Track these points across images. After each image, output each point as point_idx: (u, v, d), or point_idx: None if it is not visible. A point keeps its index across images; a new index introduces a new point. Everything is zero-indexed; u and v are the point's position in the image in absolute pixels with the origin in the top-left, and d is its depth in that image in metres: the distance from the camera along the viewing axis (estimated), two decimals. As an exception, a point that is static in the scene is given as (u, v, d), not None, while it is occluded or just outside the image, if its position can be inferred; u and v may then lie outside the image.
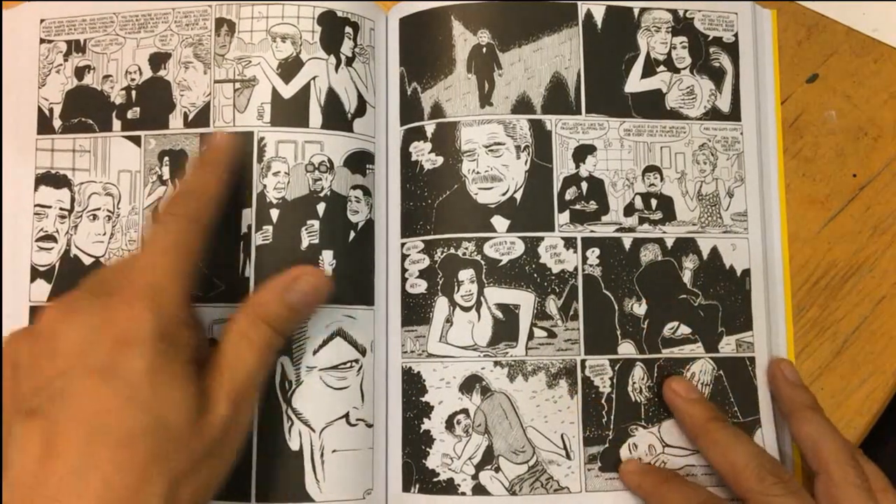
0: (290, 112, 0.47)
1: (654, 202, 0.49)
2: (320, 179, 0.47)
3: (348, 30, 0.49)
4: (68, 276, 0.48)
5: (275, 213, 0.47)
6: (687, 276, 0.48)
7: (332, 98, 0.48)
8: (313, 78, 0.48)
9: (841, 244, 0.50)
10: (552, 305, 0.47)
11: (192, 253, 0.41)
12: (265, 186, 0.47)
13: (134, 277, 0.39)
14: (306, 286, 0.43)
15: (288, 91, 0.47)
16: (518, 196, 0.48)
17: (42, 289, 0.48)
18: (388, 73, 0.50)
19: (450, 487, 0.46)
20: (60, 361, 0.36)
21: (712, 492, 0.44)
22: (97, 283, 0.40)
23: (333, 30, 0.48)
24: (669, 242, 0.48)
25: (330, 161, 0.47)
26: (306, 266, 0.45)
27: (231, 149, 0.45)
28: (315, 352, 0.46)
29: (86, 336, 0.37)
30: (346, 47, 0.48)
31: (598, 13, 0.49)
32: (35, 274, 0.48)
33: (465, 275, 0.47)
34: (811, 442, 0.44)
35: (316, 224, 0.47)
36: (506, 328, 0.47)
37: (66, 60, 0.50)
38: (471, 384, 0.46)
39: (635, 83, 0.49)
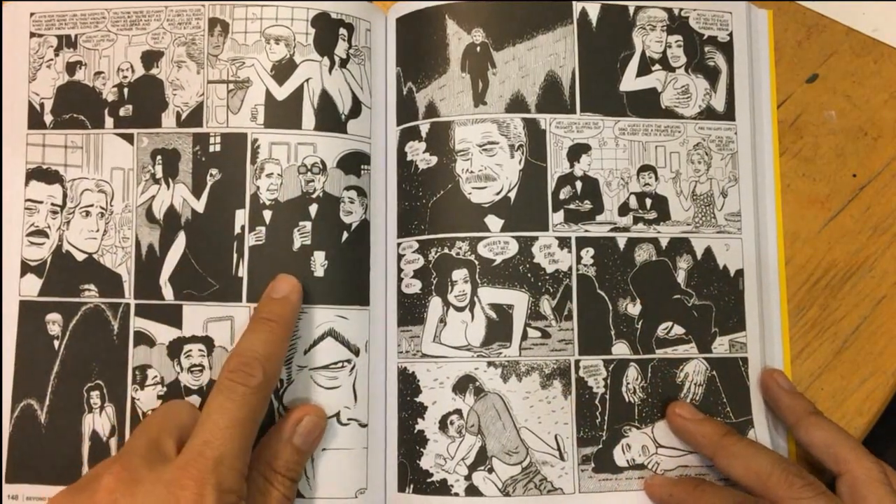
0: (283, 114, 0.51)
1: (648, 202, 0.52)
2: (313, 181, 0.51)
3: (343, 31, 0.53)
4: (59, 271, 0.52)
5: (268, 214, 0.51)
6: (681, 276, 0.52)
7: (326, 100, 0.52)
8: (307, 80, 0.52)
9: (841, 244, 0.54)
10: (546, 305, 0.51)
11: (257, 424, 0.44)
12: (258, 188, 0.51)
13: (199, 450, 0.41)
14: (309, 426, 0.48)
15: (281, 93, 0.51)
16: (512, 195, 0.51)
17: (33, 283, 0.52)
18: (386, 73, 0.54)
19: (443, 488, 0.50)
20: None
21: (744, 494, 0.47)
22: (152, 445, 0.43)
23: (327, 31, 0.52)
24: (664, 242, 0.52)
25: (322, 162, 0.51)
26: (305, 406, 0.49)
27: (299, 301, 0.49)
28: (306, 351, 0.50)
29: None
30: (341, 49, 0.52)
31: (593, 11, 0.53)
32: (25, 268, 0.52)
33: (459, 275, 0.51)
34: (825, 446, 0.47)
35: (308, 225, 0.51)
36: (499, 328, 0.51)
37: (56, 55, 0.53)
38: (464, 384, 0.50)
39: (630, 82, 0.53)
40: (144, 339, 0.51)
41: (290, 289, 0.49)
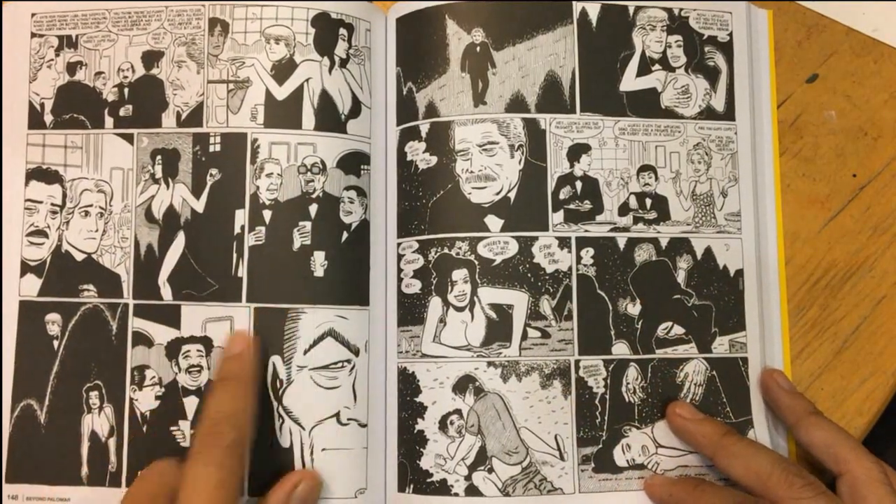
0: (283, 114, 0.52)
1: (648, 202, 0.53)
2: (313, 181, 0.51)
3: (343, 31, 0.53)
4: (59, 271, 0.52)
5: (267, 214, 0.51)
6: (681, 276, 0.52)
7: (326, 100, 0.52)
8: (307, 80, 0.52)
9: (841, 244, 0.54)
10: (546, 305, 0.51)
11: (239, 482, 0.45)
12: (258, 187, 0.51)
13: None
14: (305, 492, 0.48)
15: (281, 93, 0.52)
16: (512, 195, 0.52)
17: (32, 283, 0.52)
18: (386, 73, 0.54)
19: (443, 488, 0.50)
20: None
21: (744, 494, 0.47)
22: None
23: (327, 31, 0.53)
24: (664, 242, 0.53)
25: (322, 162, 0.52)
26: (299, 472, 0.49)
27: (255, 355, 0.49)
28: (306, 351, 0.50)
29: None
30: (341, 49, 0.53)
31: (593, 11, 0.54)
32: (25, 268, 0.52)
33: (459, 275, 0.51)
34: (825, 446, 0.48)
35: (308, 225, 0.51)
36: (499, 328, 0.51)
37: (57, 55, 0.54)
38: (464, 385, 0.50)
39: (630, 82, 0.53)
40: (143, 339, 0.51)
41: (243, 345, 0.49)
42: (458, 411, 0.50)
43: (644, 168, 0.53)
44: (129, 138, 0.53)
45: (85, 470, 0.50)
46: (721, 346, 0.52)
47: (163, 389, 0.51)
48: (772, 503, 0.45)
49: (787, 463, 0.46)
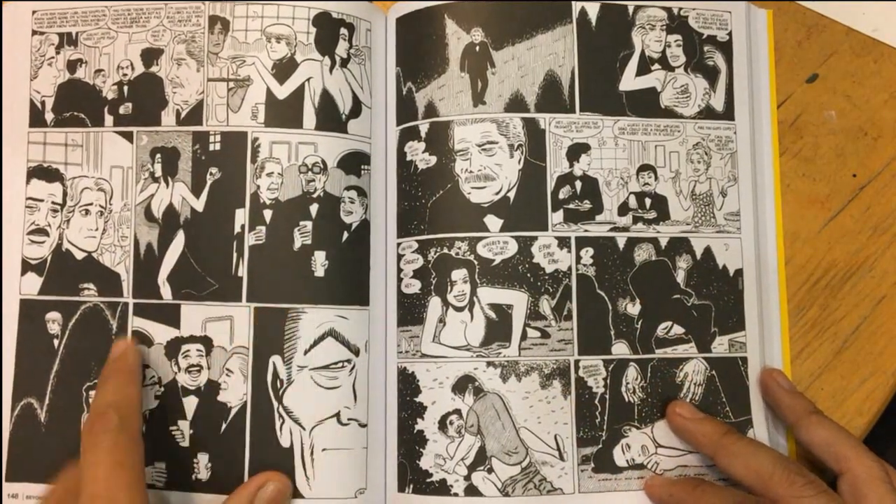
0: (284, 113, 0.52)
1: (647, 201, 0.53)
2: (314, 180, 0.52)
3: (343, 31, 0.53)
4: (60, 269, 0.52)
5: (268, 214, 0.51)
6: (680, 276, 0.53)
7: (327, 99, 0.52)
8: (308, 79, 0.52)
9: (841, 244, 0.55)
10: (545, 305, 0.51)
11: (136, 462, 0.45)
12: (258, 187, 0.51)
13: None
14: (273, 494, 0.48)
15: (282, 92, 0.52)
16: (511, 195, 0.52)
17: (33, 282, 0.53)
18: (385, 73, 0.55)
19: (442, 488, 0.50)
20: None
21: (744, 493, 0.48)
22: (66, 489, 0.45)
23: (328, 31, 0.53)
24: (663, 242, 0.53)
25: (323, 162, 0.52)
26: (271, 472, 0.49)
27: (135, 353, 0.50)
28: (306, 351, 0.50)
29: None
30: (342, 48, 0.53)
31: (593, 11, 0.54)
32: (26, 267, 0.53)
33: (458, 275, 0.51)
34: (826, 445, 0.48)
35: (308, 225, 0.51)
36: (499, 328, 0.51)
37: (58, 53, 0.54)
38: (463, 385, 0.51)
39: (630, 81, 0.54)
40: (142, 338, 0.51)
41: (124, 346, 0.50)
42: (457, 411, 0.51)
43: (643, 168, 0.53)
44: (128, 136, 0.53)
45: (85, 469, 0.51)
46: (721, 345, 0.52)
47: (162, 389, 0.51)
48: (773, 502, 0.45)
49: (788, 461, 0.46)
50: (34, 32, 0.54)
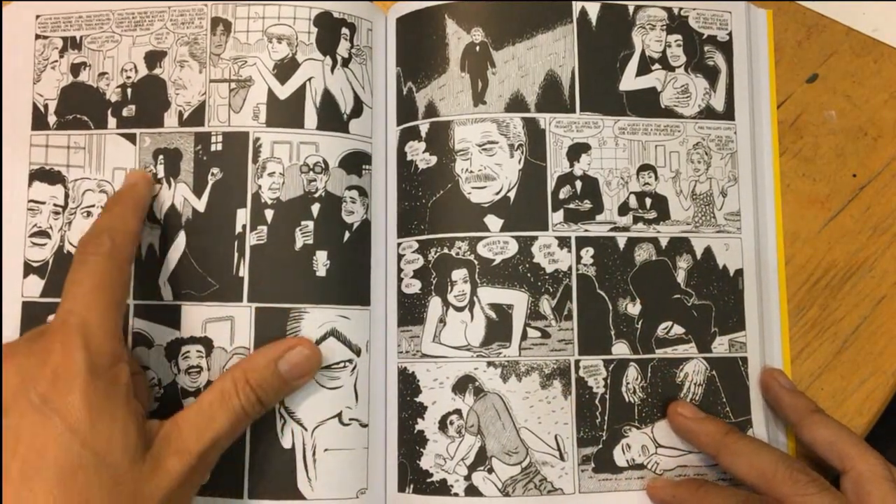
0: (285, 113, 0.52)
1: (648, 201, 0.53)
2: (315, 180, 0.52)
3: (345, 31, 0.54)
4: (62, 272, 0.52)
5: (269, 214, 0.51)
6: (681, 276, 0.53)
7: (328, 99, 0.53)
8: (309, 79, 0.52)
9: (841, 244, 0.55)
10: (546, 305, 0.52)
11: (117, 289, 0.45)
12: (260, 187, 0.52)
13: (63, 318, 0.43)
14: (299, 357, 0.48)
15: (284, 92, 0.52)
16: (512, 195, 0.52)
17: (35, 284, 0.53)
18: (386, 73, 0.55)
19: (443, 488, 0.50)
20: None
21: (747, 493, 0.48)
22: (34, 332, 0.45)
23: (330, 31, 0.53)
24: (663, 242, 0.53)
25: (325, 162, 0.52)
26: (301, 337, 0.50)
27: (147, 185, 0.51)
28: (308, 351, 0.51)
29: (21, 375, 0.41)
30: (343, 48, 0.53)
31: (593, 11, 0.54)
32: (28, 269, 0.53)
33: (458, 275, 0.52)
34: (829, 444, 0.48)
35: (310, 224, 0.52)
36: (499, 328, 0.51)
37: (61, 57, 0.55)
38: (464, 385, 0.51)
39: (630, 81, 0.54)
40: (143, 340, 0.52)
41: (137, 177, 0.52)
42: (457, 411, 0.51)
43: (644, 167, 0.53)
44: (131, 138, 0.53)
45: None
46: (721, 345, 0.53)
47: (162, 390, 0.51)
48: (776, 500, 0.46)
49: (791, 460, 0.47)
50: (38, 36, 0.55)
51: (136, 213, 0.49)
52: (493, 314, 0.51)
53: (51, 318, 0.52)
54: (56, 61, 0.55)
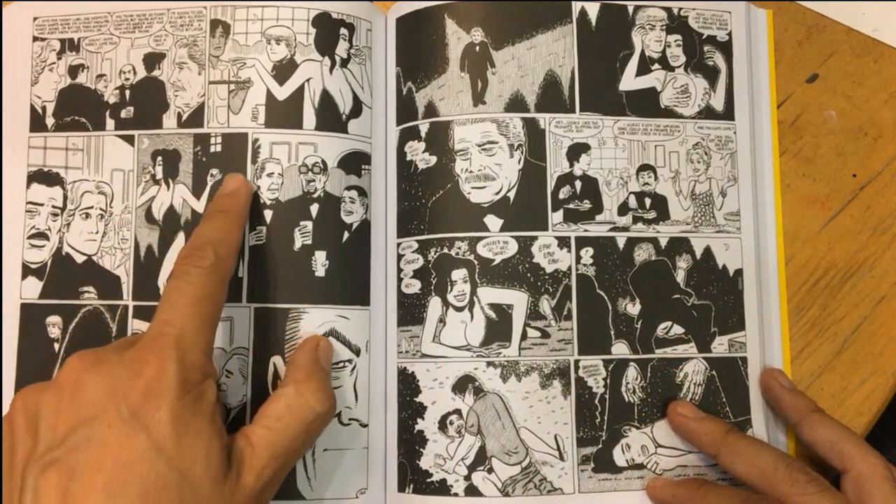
0: (284, 114, 0.53)
1: (647, 201, 0.54)
2: (314, 181, 0.52)
3: (343, 31, 0.54)
4: (60, 273, 0.53)
5: (268, 214, 0.52)
6: (680, 276, 0.53)
7: (327, 99, 0.53)
8: (307, 80, 0.53)
9: (841, 244, 0.55)
10: (545, 305, 0.52)
11: (216, 305, 0.45)
12: (259, 187, 0.52)
13: (160, 329, 0.42)
14: (328, 347, 0.50)
15: (282, 93, 0.53)
16: (511, 195, 0.53)
17: (34, 286, 0.53)
18: (386, 73, 0.55)
19: (442, 488, 0.51)
20: (86, 410, 0.39)
21: (747, 493, 0.48)
22: (124, 340, 0.45)
23: (328, 31, 0.54)
24: (663, 242, 0.53)
25: (323, 162, 0.53)
26: (314, 335, 0.51)
27: (249, 193, 0.51)
28: (308, 351, 0.51)
29: (112, 386, 0.40)
30: (342, 49, 0.54)
31: (593, 11, 0.55)
32: (26, 271, 0.53)
33: (458, 274, 0.52)
34: (830, 443, 0.49)
35: (309, 225, 0.52)
36: (499, 328, 0.52)
37: (59, 59, 0.55)
38: (463, 384, 0.51)
39: (630, 81, 0.54)
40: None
41: (239, 184, 0.51)
42: (457, 411, 0.51)
43: (643, 167, 0.54)
44: (129, 140, 0.54)
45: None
46: (720, 345, 0.53)
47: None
48: (776, 500, 0.46)
49: (791, 460, 0.47)
50: (35, 39, 0.55)
51: (239, 223, 0.49)
52: (492, 314, 0.52)
53: (50, 319, 0.52)
54: (54, 63, 0.55)
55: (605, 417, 0.52)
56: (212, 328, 0.44)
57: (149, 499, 0.38)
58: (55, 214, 0.54)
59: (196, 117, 0.53)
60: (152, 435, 0.39)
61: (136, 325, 0.52)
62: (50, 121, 0.54)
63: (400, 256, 0.53)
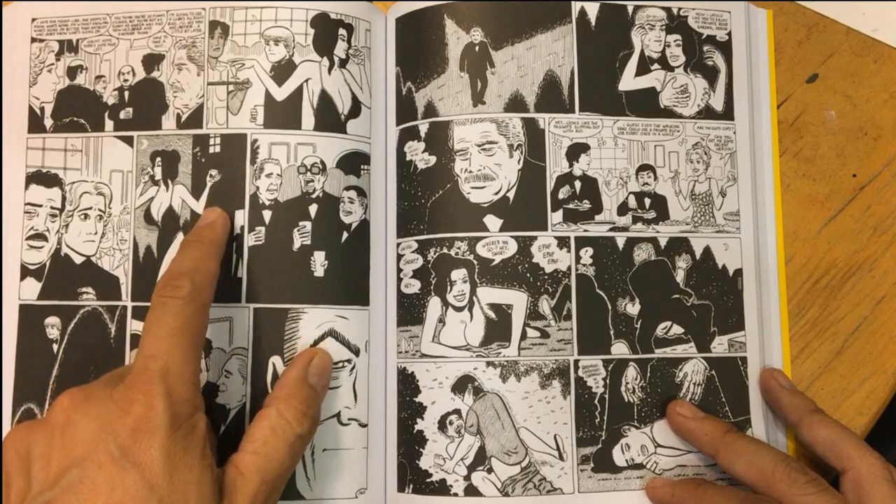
0: (282, 114, 0.53)
1: (647, 201, 0.54)
2: (312, 181, 0.53)
3: (342, 31, 0.54)
4: (58, 274, 0.53)
5: (267, 215, 0.52)
6: (680, 276, 0.54)
7: (325, 100, 0.53)
8: (306, 80, 0.53)
9: (841, 244, 0.55)
10: (545, 305, 0.52)
11: (198, 335, 0.45)
12: (258, 188, 0.52)
13: (144, 364, 0.43)
14: (322, 363, 0.50)
15: (281, 93, 0.53)
16: (511, 195, 0.53)
17: (32, 287, 0.54)
18: (385, 73, 0.56)
19: (442, 488, 0.51)
20: (77, 450, 0.40)
21: (746, 493, 0.48)
22: (112, 374, 0.45)
23: (327, 32, 0.54)
24: (663, 242, 0.54)
25: (322, 162, 0.53)
26: (310, 349, 0.51)
27: (225, 224, 0.51)
28: (307, 351, 0.51)
29: (102, 425, 0.40)
30: (340, 49, 0.54)
31: (592, 11, 0.55)
32: (25, 272, 0.54)
33: (458, 275, 0.52)
34: (829, 444, 0.49)
35: (308, 225, 0.52)
36: (498, 328, 0.52)
37: (57, 60, 0.55)
38: (463, 384, 0.52)
39: (629, 81, 0.55)
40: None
41: (215, 216, 0.51)
42: (457, 411, 0.51)
43: (643, 167, 0.54)
44: (128, 141, 0.54)
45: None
46: (720, 345, 0.53)
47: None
48: (775, 500, 0.46)
49: (789, 460, 0.47)
50: (33, 40, 0.55)
51: (214, 253, 0.49)
52: (492, 314, 0.52)
53: (49, 320, 0.53)
54: (52, 64, 0.55)
55: (605, 417, 0.52)
56: (196, 358, 0.44)
57: None
58: (54, 215, 0.54)
59: (195, 118, 0.54)
60: (144, 473, 0.40)
61: (134, 326, 0.52)
62: (48, 122, 0.55)
63: (399, 256, 0.54)
